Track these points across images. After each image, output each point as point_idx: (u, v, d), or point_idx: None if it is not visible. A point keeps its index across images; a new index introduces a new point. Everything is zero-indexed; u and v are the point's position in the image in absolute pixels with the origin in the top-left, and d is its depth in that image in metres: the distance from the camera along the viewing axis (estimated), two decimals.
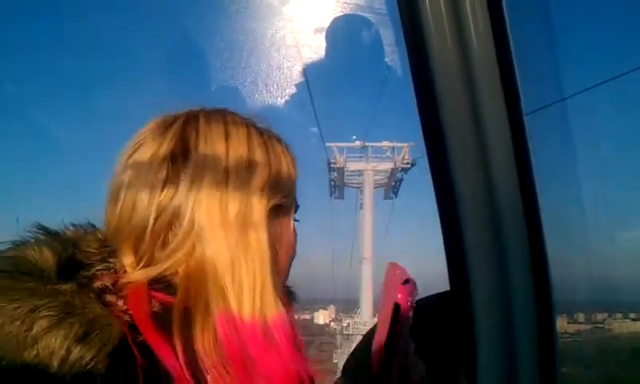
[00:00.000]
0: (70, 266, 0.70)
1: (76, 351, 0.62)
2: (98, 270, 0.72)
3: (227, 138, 0.76)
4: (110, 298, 0.70)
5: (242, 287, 0.71)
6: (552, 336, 1.06)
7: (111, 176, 0.80)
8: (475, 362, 1.05)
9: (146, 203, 0.73)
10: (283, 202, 0.81)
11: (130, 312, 0.68)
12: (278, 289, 0.75)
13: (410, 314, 0.82)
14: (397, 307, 0.79)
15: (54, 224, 0.76)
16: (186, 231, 0.73)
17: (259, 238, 0.74)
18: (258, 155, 0.77)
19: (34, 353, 0.61)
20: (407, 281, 0.82)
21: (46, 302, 0.63)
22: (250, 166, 0.76)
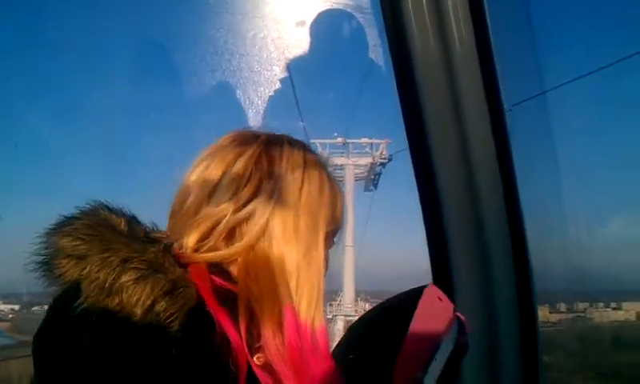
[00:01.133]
0: (137, 234, 0.78)
1: (161, 303, 0.68)
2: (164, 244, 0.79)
3: (305, 167, 0.88)
4: (183, 267, 0.77)
5: (303, 293, 0.81)
6: (534, 325, 1.08)
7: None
8: None
9: (227, 199, 0.82)
10: (333, 230, 0.91)
11: (196, 284, 0.75)
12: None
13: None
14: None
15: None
16: (257, 232, 0.82)
17: (320, 255, 0.84)
18: (327, 190, 0.89)
19: (117, 301, 0.67)
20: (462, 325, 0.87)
21: (136, 256, 0.70)
22: (320, 197, 0.88)
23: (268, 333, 0.76)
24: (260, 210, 0.83)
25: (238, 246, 0.82)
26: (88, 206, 0.79)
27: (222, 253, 0.81)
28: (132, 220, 0.82)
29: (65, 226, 0.74)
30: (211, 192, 0.85)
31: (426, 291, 0.87)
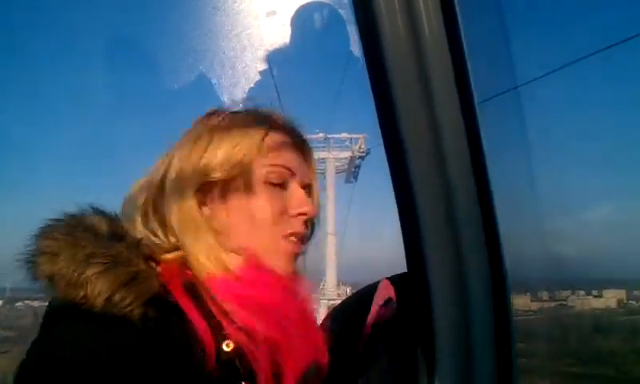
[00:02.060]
0: (119, 232, 0.86)
1: (120, 293, 0.74)
2: (142, 240, 0.88)
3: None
4: (150, 262, 0.85)
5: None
6: (507, 312, 1.09)
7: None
8: (433, 341, 1.08)
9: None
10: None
11: (165, 279, 0.83)
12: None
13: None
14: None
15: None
16: None
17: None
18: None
19: (82, 294, 0.73)
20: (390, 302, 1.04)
21: (102, 251, 0.77)
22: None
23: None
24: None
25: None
26: (77, 208, 0.87)
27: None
28: (114, 220, 0.89)
29: (46, 228, 0.82)
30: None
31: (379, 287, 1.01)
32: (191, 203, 0.90)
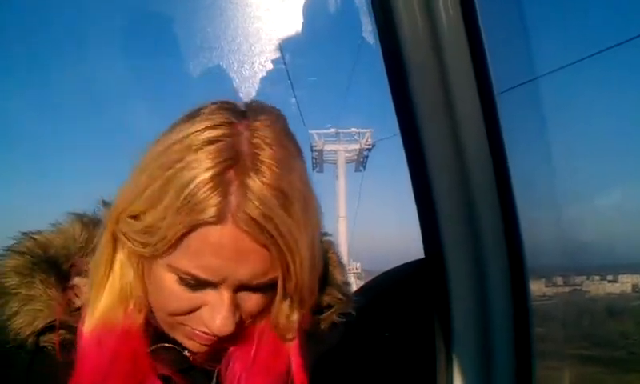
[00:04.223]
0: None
1: (11, 326, 0.73)
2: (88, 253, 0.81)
3: None
4: (77, 280, 0.80)
5: None
6: (525, 298, 1.10)
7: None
8: (450, 328, 1.10)
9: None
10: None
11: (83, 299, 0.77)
12: None
13: None
14: None
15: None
16: None
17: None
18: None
19: None
20: None
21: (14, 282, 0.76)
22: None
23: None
24: None
25: None
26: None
27: None
28: (90, 223, 0.84)
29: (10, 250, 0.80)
30: None
31: None
32: (107, 240, 0.75)
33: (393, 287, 0.85)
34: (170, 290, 0.72)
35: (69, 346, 0.75)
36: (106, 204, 0.83)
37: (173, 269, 0.70)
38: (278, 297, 0.74)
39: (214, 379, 0.80)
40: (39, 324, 0.74)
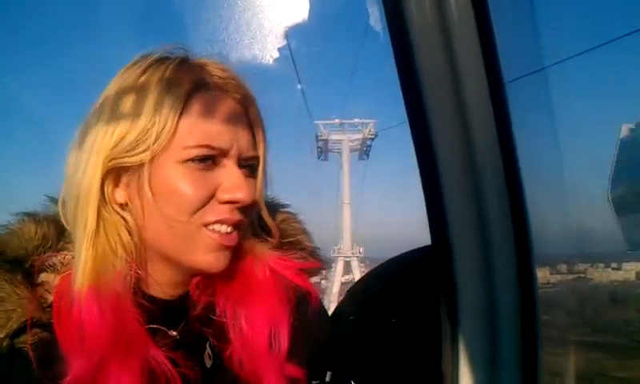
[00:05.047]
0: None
1: None
2: (65, 244, 0.81)
3: None
4: (44, 277, 0.79)
5: None
6: (532, 287, 1.10)
7: None
8: (456, 315, 1.10)
9: None
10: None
11: (56, 296, 0.76)
12: None
13: None
14: None
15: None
16: None
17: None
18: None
19: None
20: None
21: None
22: None
23: None
24: None
25: None
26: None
27: None
28: (44, 220, 0.83)
29: None
30: None
31: None
32: (91, 192, 0.76)
33: (399, 274, 0.85)
34: (183, 181, 0.77)
35: (45, 345, 0.74)
36: (52, 200, 0.85)
37: (185, 152, 0.77)
38: (259, 182, 0.85)
39: (207, 348, 0.83)
40: (13, 325, 0.73)
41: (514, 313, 1.10)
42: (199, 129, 0.77)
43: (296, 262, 0.91)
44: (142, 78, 0.78)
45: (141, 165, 0.76)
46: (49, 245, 0.82)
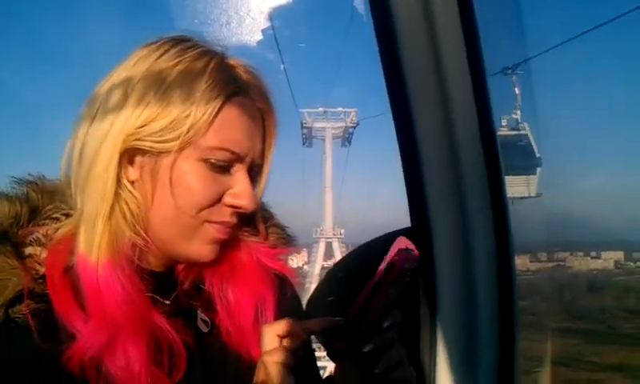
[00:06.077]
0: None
1: None
2: (42, 221, 0.82)
3: None
4: (31, 250, 0.79)
5: None
6: (510, 272, 1.12)
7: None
8: (434, 299, 1.12)
9: None
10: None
11: (48, 264, 0.77)
12: None
13: (404, 279, 0.85)
14: (390, 267, 0.82)
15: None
16: None
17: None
18: None
19: None
20: (410, 250, 0.85)
21: None
22: None
23: None
24: None
25: None
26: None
27: None
28: (16, 199, 0.83)
29: None
30: None
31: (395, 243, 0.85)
32: (110, 167, 0.77)
33: (378, 254, 0.85)
34: (199, 179, 0.79)
35: (42, 314, 0.74)
36: (19, 182, 0.85)
37: (208, 151, 0.78)
38: (261, 189, 0.89)
39: (198, 319, 0.86)
40: (9, 293, 0.73)
41: (492, 299, 1.13)
42: (225, 132, 0.79)
43: (274, 249, 0.95)
44: (180, 67, 0.78)
45: (163, 152, 0.78)
46: (20, 223, 0.82)
